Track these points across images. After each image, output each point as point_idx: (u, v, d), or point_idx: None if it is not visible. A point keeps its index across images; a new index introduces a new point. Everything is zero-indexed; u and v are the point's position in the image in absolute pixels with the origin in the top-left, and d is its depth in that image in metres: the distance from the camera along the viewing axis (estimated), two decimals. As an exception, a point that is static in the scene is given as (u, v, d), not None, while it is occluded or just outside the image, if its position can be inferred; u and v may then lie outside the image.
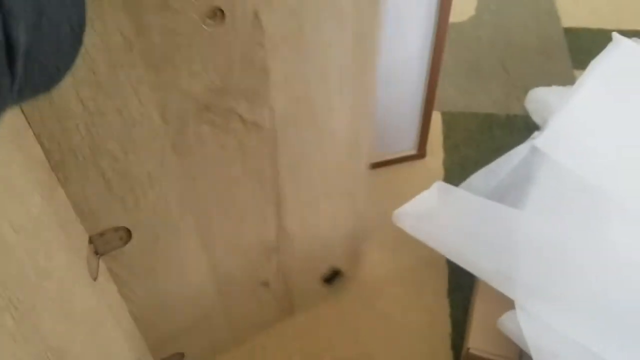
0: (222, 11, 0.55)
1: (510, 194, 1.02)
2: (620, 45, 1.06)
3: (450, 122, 1.39)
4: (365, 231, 1.02)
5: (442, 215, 1.03)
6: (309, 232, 0.88)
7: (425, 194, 1.06)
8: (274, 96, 0.65)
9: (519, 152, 1.02)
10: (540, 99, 1.31)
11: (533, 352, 0.78)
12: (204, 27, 0.55)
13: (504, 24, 1.66)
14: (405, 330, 1.01)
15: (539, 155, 1.01)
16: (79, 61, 0.47)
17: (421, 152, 1.27)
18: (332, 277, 1.03)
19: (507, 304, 0.87)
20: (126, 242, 0.68)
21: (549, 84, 1.37)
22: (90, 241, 0.65)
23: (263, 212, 0.79)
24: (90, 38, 0.49)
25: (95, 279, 0.64)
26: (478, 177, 1.05)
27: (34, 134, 0.52)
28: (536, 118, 1.31)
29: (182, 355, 0.93)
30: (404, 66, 1.09)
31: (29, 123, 0.51)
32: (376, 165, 1.27)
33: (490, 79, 1.52)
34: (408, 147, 1.27)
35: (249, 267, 0.87)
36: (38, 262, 0.49)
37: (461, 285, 1.06)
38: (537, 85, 1.38)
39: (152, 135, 0.60)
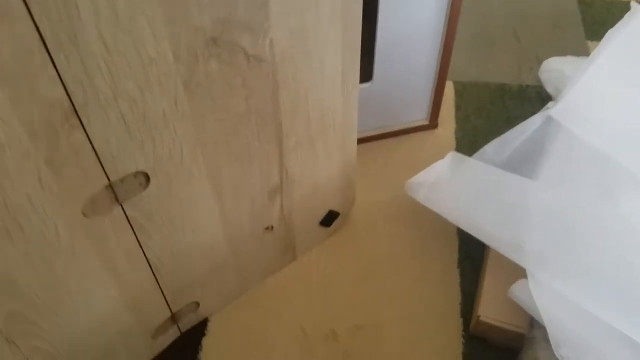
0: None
1: (523, 164, 1.01)
2: (638, 15, 1.04)
3: (462, 92, 1.38)
4: (355, 173, 1.04)
5: (455, 185, 1.03)
6: (308, 172, 0.91)
7: (438, 164, 1.05)
8: (274, 28, 0.67)
9: (533, 122, 1.01)
10: (555, 69, 1.29)
11: (545, 320, 0.78)
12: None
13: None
14: (414, 299, 1.01)
15: (553, 125, 1.00)
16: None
17: (433, 123, 1.26)
18: (330, 218, 1.06)
19: (518, 273, 0.87)
20: (145, 188, 0.70)
21: (562, 55, 1.35)
22: (112, 188, 0.66)
23: (267, 153, 0.82)
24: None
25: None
26: (491, 147, 1.05)
27: (58, 75, 0.53)
28: (549, 88, 1.30)
29: (197, 304, 0.95)
30: (418, 33, 1.08)
31: (53, 63, 0.52)
32: (388, 135, 1.26)
33: (502, 48, 1.51)
34: (420, 117, 1.26)
35: (255, 212, 0.89)
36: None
37: (472, 256, 1.06)
38: (550, 56, 1.36)
39: (166, 73, 0.61)
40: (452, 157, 1.06)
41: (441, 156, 1.08)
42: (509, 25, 1.57)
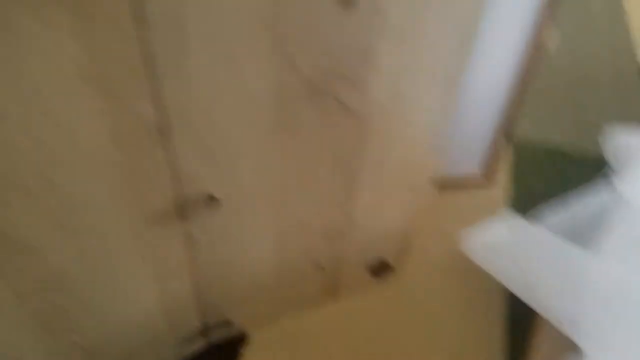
0: (353, -2, 0.54)
1: (583, 234, 0.97)
2: None
3: (519, 150, 1.35)
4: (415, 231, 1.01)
5: (510, 248, 0.99)
6: (370, 221, 0.89)
7: (493, 222, 1.02)
8: (375, 84, 0.66)
9: (595, 191, 0.98)
10: (618, 139, 1.26)
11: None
12: (333, 12, 0.54)
13: (580, 57, 1.62)
14: (453, 351, 0.97)
15: (617, 198, 0.97)
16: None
17: (488, 178, 1.23)
18: (380, 269, 1.04)
19: (570, 346, 0.83)
20: (212, 209, 0.69)
21: (623, 121, 1.32)
22: (180, 203, 0.66)
23: (337, 196, 0.80)
24: None
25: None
26: (550, 212, 1.01)
27: (156, 94, 0.53)
28: (611, 157, 1.26)
29: (229, 322, 0.95)
30: (486, 88, 1.06)
31: (153, 81, 0.52)
32: (441, 186, 1.23)
33: (563, 111, 1.48)
34: (475, 171, 1.24)
35: (309, 250, 0.88)
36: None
37: (519, 320, 1.02)
38: (611, 122, 1.33)
39: (264, 107, 0.61)
40: (508, 217, 1.03)
41: (494, 213, 1.05)
42: (571, 88, 1.52)
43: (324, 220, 0.83)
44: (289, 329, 1.00)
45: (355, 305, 1.05)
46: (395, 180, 0.83)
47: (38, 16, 0.42)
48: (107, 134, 0.52)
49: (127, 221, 0.62)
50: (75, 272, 0.62)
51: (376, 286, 1.07)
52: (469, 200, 1.23)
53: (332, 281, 1.00)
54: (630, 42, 1.65)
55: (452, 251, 1.04)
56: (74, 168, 0.53)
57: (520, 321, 1.01)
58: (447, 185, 1.23)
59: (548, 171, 1.31)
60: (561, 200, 1.02)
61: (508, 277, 0.95)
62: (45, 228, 0.56)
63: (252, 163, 0.67)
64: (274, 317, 1.01)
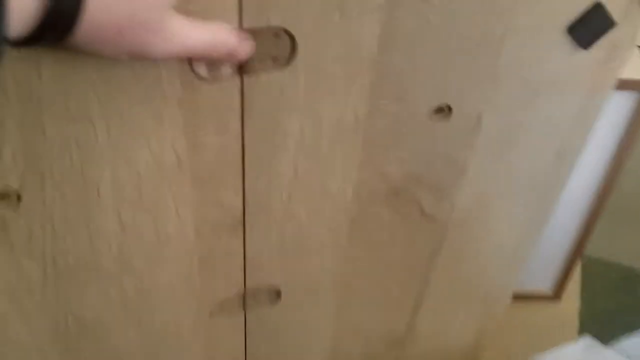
0: (450, 109, 0.53)
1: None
2: None
3: (590, 267, 1.28)
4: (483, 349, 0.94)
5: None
6: (435, 333, 0.84)
7: (569, 347, 0.95)
8: (461, 193, 0.64)
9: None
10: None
11: None
12: (427, 121, 0.53)
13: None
14: None
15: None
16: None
17: (557, 295, 1.16)
18: None
19: None
20: (273, 302, 0.68)
21: None
22: (243, 294, 0.65)
23: (401, 304, 0.77)
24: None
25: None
26: (630, 343, 0.93)
27: (243, 186, 0.53)
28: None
29: None
30: (563, 204, 1.02)
31: (243, 175, 0.52)
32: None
33: (637, 231, 1.39)
34: (545, 286, 1.17)
35: (366, 355, 0.84)
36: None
37: None
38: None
39: (340, 208, 0.60)
40: (585, 342, 0.96)
41: (563, 332, 0.98)
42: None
43: (386, 326, 0.79)
44: None
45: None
46: (468, 292, 0.78)
47: (149, 107, 0.43)
48: (191, 222, 0.52)
49: (191, 306, 0.61)
50: (133, 352, 0.61)
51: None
52: (537, 315, 1.16)
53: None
54: None
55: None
56: (153, 253, 0.53)
57: None
58: (515, 297, 1.16)
59: (621, 294, 1.23)
60: (633, 322, 0.95)
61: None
62: (114, 309, 0.55)
63: (320, 260, 0.65)
64: None
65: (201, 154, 0.48)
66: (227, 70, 0.44)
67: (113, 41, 0.35)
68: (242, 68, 0.45)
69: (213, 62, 0.44)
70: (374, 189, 0.59)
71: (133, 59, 0.38)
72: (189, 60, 0.42)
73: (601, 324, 1.15)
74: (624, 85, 0.86)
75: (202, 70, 0.44)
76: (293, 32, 0.44)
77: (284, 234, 0.59)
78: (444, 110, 0.54)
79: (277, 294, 0.66)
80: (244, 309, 0.66)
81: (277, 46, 0.45)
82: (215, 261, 0.58)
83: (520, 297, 1.17)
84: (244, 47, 0.42)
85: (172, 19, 0.37)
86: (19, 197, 0.42)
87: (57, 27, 0.32)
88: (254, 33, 0.43)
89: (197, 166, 0.49)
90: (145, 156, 0.45)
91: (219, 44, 0.41)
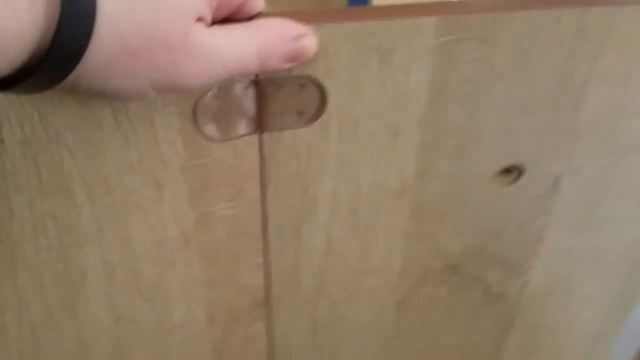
0: (520, 170, 0.42)
1: None
2: None
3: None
4: None
5: None
6: None
7: None
8: (534, 269, 0.52)
9: None
10: None
11: None
12: (491, 186, 0.43)
13: None
14: None
15: None
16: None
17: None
18: None
19: None
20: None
21: None
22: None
23: None
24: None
25: None
26: None
27: (264, 262, 0.43)
28: None
29: None
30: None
31: (265, 251, 0.43)
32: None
33: None
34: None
35: None
36: None
37: None
38: None
39: (383, 286, 0.50)
40: None
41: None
42: None
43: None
44: None
45: None
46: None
47: (144, 175, 0.35)
48: (202, 306, 0.44)
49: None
50: None
51: None
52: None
53: None
54: None
55: None
56: (155, 346, 0.44)
57: None
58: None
59: None
60: None
61: None
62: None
63: (361, 344, 0.54)
64: None
65: (212, 228, 0.40)
66: (242, 128, 0.36)
67: (131, 70, 0.26)
68: (260, 124, 0.36)
69: (225, 117, 0.35)
70: (426, 264, 0.49)
71: (161, 92, 0.30)
72: (194, 117, 0.34)
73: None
74: None
75: (210, 128, 0.36)
76: (322, 81, 0.35)
77: (316, 317, 0.49)
78: (512, 172, 0.44)
79: (311, 384, 0.56)
80: (271, 401, 0.56)
81: (302, 98, 0.36)
82: (233, 349, 0.48)
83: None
84: (302, 43, 0.32)
85: (200, 30, 0.28)
86: (-14, 287, 0.35)
87: (61, 57, 0.24)
88: (274, 83, 0.35)
89: (207, 242, 0.40)
90: (142, 233, 0.37)
91: (268, 49, 0.31)
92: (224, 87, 0.34)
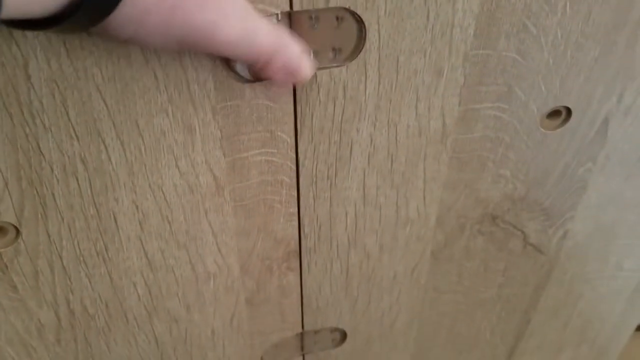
0: (569, 111, 0.40)
1: None
2: None
3: None
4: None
5: None
6: None
7: None
8: (576, 219, 0.50)
9: None
10: None
11: None
12: (539, 127, 0.40)
13: None
14: None
15: None
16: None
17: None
18: None
19: None
20: (337, 345, 0.57)
21: None
22: (302, 337, 0.54)
23: (494, 349, 0.63)
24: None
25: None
26: None
27: (299, 213, 0.42)
28: None
29: None
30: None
31: (298, 200, 0.42)
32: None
33: None
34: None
35: None
36: None
37: None
38: None
39: (419, 236, 0.48)
40: None
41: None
42: None
43: (474, 372, 0.66)
44: None
45: None
46: (577, 334, 0.64)
47: (174, 118, 0.33)
48: (235, 255, 0.43)
49: (239, 351, 0.51)
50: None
51: None
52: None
53: None
54: None
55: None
56: (189, 292, 0.43)
57: None
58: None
59: None
60: None
61: None
62: (146, 359, 0.46)
63: (395, 298, 0.53)
64: None
65: (245, 175, 0.38)
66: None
67: (164, 22, 0.25)
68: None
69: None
70: (464, 214, 0.47)
71: (186, 49, 0.29)
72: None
73: None
74: None
75: (241, 67, 0.34)
76: (361, 14, 0.33)
77: (349, 268, 0.48)
78: (560, 114, 0.41)
79: (342, 336, 0.56)
80: (303, 352, 0.56)
81: (340, 34, 0.34)
82: (266, 299, 0.48)
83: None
84: (305, 65, 0.32)
85: None
86: (17, 232, 0.34)
87: (97, 4, 0.23)
88: (310, 16, 0.32)
89: (240, 189, 0.39)
90: (174, 178, 0.36)
91: (283, 50, 0.31)
92: (258, 21, 0.32)
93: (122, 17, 0.24)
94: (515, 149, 0.42)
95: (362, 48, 0.34)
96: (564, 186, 0.46)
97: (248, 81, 0.34)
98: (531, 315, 0.59)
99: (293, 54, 0.31)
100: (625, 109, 0.42)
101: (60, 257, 0.36)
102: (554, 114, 0.41)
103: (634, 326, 0.65)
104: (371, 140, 0.40)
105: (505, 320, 0.59)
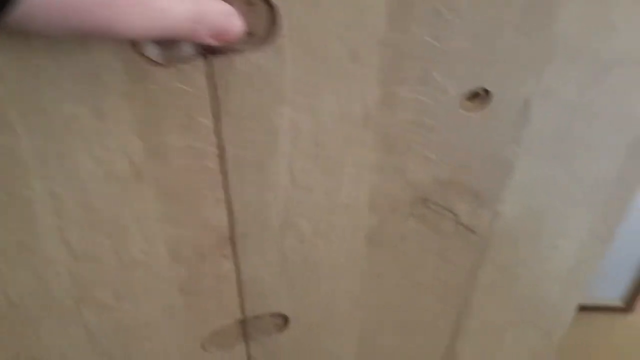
0: (487, 93, 0.41)
1: None
2: None
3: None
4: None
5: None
6: None
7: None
8: (505, 200, 0.51)
9: None
10: None
11: None
12: (460, 110, 0.41)
13: None
14: None
15: None
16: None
17: (629, 306, 1.01)
18: None
19: None
20: (280, 331, 0.57)
21: None
22: (243, 324, 0.54)
23: (438, 330, 0.64)
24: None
25: None
26: None
27: (227, 198, 0.42)
28: None
29: None
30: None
31: (226, 184, 0.42)
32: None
33: None
34: (614, 296, 1.02)
35: None
36: None
37: None
38: None
39: (354, 222, 0.49)
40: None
41: (636, 347, 0.84)
42: None
43: (421, 354, 0.66)
44: None
45: None
46: (518, 315, 0.66)
47: (85, 103, 0.33)
48: (163, 244, 0.43)
49: (177, 340, 0.51)
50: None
51: None
52: (605, 330, 1.02)
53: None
54: None
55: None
56: (117, 282, 0.43)
57: None
58: (580, 310, 1.02)
59: None
60: None
61: None
62: (80, 350, 0.46)
63: (333, 281, 0.54)
64: None
65: (165, 161, 0.38)
66: (187, 50, 0.34)
67: (64, 13, 0.25)
68: (207, 47, 0.34)
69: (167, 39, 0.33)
70: (395, 198, 0.48)
71: (87, 38, 0.28)
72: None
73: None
74: None
75: (152, 50, 0.33)
76: (270, -3, 0.33)
77: (285, 253, 0.49)
78: (480, 96, 0.42)
79: (285, 321, 0.56)
80: (245, 340, 0.56)
81: (251, 18, 0.34)
82: (201, 288, 0.48)
83: (586, 309, 1.03)
84: (233, 22, 0.32)
85: None
86: None
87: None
88: None
89: (162, 175, 0.39)
90: (89, 166, 0.36)
91: (204, 16, 0.30)
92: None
93: (21, 14, 0.24)
94: (438, 132, 0.43)
95: (275, 32, 0.34)
96: (490, 168, 0.47)
97: (160, 64, 0.34)
98: (470, 297, 0.60)
99: (216, 15, 0.31)
100: (546, 91, 0.43)
101: (-24, 248, 0.36)
102: (474, 96, 0.42)
103: (575, 307, 0.67)
104: (295, 125, 0.40)
105: (446, 302, 0.60)
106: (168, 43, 0.33)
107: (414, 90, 0.40)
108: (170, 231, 0.42)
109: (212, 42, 0.32)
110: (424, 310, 0.60)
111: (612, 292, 1.04)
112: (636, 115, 0.46)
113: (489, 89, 0.41)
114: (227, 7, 0.31)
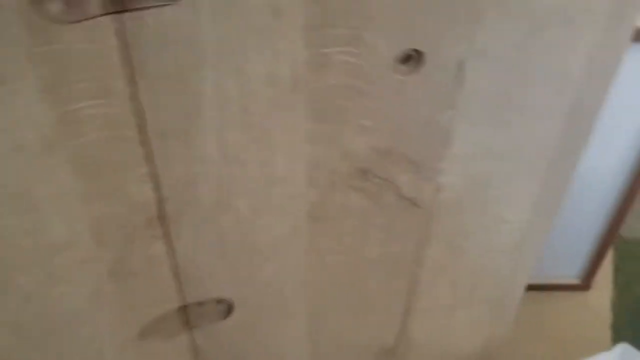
0: (420, 55, 0.39)
1: None
2: None
3: (624, 251, 1.13)
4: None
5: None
6: (432, 341, 0.71)
7: (602, 356, 0.81)
8: (447, 171, 0.50)
9: None
10: None
11: None
12: (393, 73, 0.39)
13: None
14: None
15: None
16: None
17: (586, 284, 1.02)
18: None
19: None
20: (225, 317, 0.55)
21: None
22: (185, 311, 0.52)
23: (388, 309, 0.63)
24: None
25: None
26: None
27: (154, 174, 0.40)
28: None
29: None
30: (595, 180, 0.88)
31: (150, 159, 0.40)
32: (530, 288, 1.03)
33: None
34: (572, 274, 1.03)
35: None
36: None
37: None
38: None
39: (291, 196, 0.47)
40: (622, 351, 0.81)
41: (593, 327, 0.84)
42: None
43: (373, 335, 0.65)
44: None
45: None
46: (468, 291, 0.65)
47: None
48: (85, 224, 0.40)
49: (119, 335, 0.48)
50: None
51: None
52: (563, 308, 1.02)
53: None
54: None
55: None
56: (39, 266, 0.40)
57: None
58: (538, 288, 1.03)
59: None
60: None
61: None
62: (12, 339, 0.43)
63: (276, 261, 0.52)
64: None
65: (78, 130, 0.36)
66: (94, 6, 0.32)
67: None
68: (116, 2, 0.32)
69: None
70: (333, 170, 0.46)
71: None
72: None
73: (637, 315, 1.02)
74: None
75: (55, 6, 0.31)
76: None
77: (221, 233, 0.46)
78: (413, 58, 0.41)
79: (229, 307, 0.54)
80: (188, 327, 0.53)
81: (162, -30, 0.32)
82: (133, 271, 0.45)
83: (543, 288, 1.03)
84: None
85: None
86: None
87: None
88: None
89: (75, 147, 0.36)
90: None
91: None
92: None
93: None
94: (372, 97, 0.42)
95: (189, -14, 0.33)
96: (428, 135, 0.46)
97: (63, 21, 0.31)
98: (419, 273, 0.59)
99: None
100: (479, 53, 0.42)
101: None
102: (407, 59, 0.40)
103: (525, 282, 0.67)
104: (220, 90, 0.38)
105: (394, 279, 0.58)
106: (71, -2, 0.31)
107: (344, 51, 0.39)
108: (92, 211, 0.40)
109: None
110: (373, 288, 0.59)
111: (569, 270, 1.04)
112: (574, 76, 0.46)
113: (421, 49, 0.40)
114: None
